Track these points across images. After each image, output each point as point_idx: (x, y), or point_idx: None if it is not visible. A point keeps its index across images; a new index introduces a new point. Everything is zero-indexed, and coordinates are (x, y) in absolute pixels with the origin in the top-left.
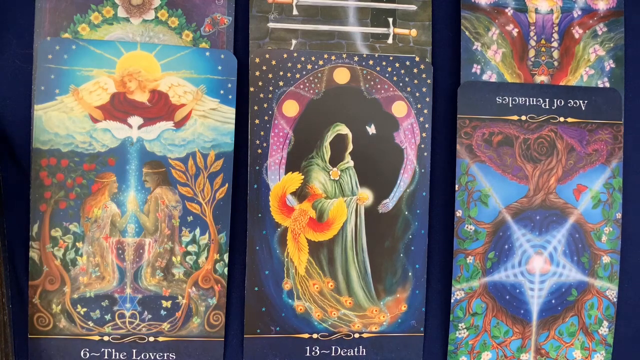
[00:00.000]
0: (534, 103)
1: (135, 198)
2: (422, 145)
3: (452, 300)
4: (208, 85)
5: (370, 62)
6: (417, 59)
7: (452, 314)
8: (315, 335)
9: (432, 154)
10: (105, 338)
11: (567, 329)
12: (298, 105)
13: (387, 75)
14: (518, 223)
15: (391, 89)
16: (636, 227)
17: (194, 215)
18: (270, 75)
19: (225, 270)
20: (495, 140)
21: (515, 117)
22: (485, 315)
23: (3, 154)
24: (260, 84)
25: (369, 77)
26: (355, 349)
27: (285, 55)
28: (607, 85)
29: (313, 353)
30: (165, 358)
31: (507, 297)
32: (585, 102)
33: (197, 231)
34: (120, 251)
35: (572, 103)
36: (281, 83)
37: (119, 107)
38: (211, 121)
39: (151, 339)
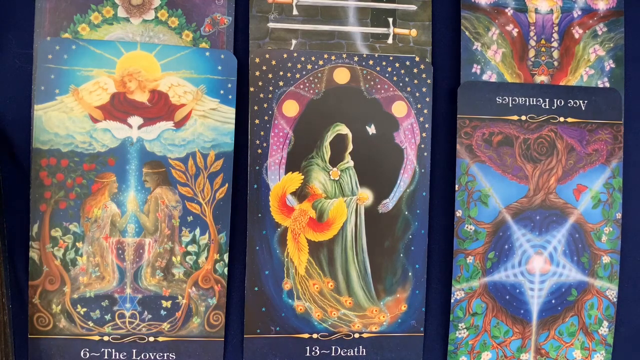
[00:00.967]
0: (534, 103)
1: (135, 198)
2: (422, 145)
3: (452, 300)
4: (208, 85)
5: (370, 62)
6: (417, 59)
7: (452, 314)
8: (315, 335)
9: (432, 154)
10: (105, 338)
11: (567, 329)
12: (298, 105)
13: (387, 75)
14: (518, 223)
15: (391, 89)
16: (636, 227)
17: (194, 215)
18: (270, 75)
19: (225, 270)
20: (495, 140)
21: (515, 117)
22: (485, 315)
23: (3, 154)
24: (260, 84)
25: (369, 77)
26: (355, 349)
27: (285, 55)
28: (607, 85)
29: (313, 353)
30: (165, 358)
31: (507, 297)
32: (585, 102)
33: (197, 231)
34: (120, 251)
35: (572, 103)
36: (281, 83)
37: (119, 107)
38: (211, 121)
39: (151, 339)
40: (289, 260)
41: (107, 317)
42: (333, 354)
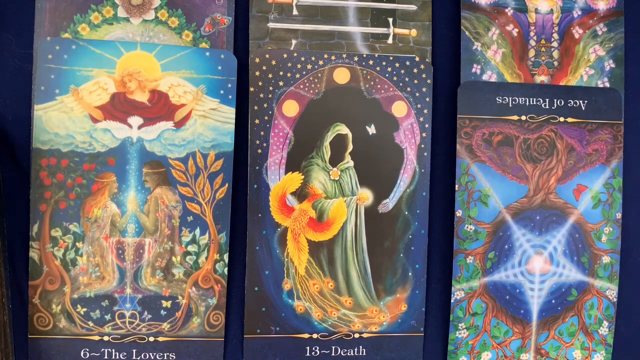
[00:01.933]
0: (534, 103)
1: (135, 198)
2: (422, 145)
3: (452, 300)
4: (208, 85)
5: (370, 62)
6: (417, 59)
7: (452, 314)
8: (315, 335)
9: (432, 154)
10: (105, 338)
11: (567, 329)
12: (298, 105)
13: (387, 75)
14: (518, 223)
15: (391, 89)
16: (636, 227)
17: (194, 215)
18: (270, 75)
19: (225, 270)
20: (495, 140)
21: (515, 117)
22: (485, 315)
23: (3, 154)
24: (260, 84)
25: (369, 77)
26: (355, 349)
27: (285, 55)
28: (607, 85)
29: (313, 353)
30: (165, 358)
31: (507, 297)
32: (585, 102)
33: (197, 231)
34: (120, 251)
35: (572, 103)
36: (281, 83)
37: (119, 107)
38: (211, 121)
39: (151, 339)
40: (289, 260)
41: (107, 317)
42: (333, 354)
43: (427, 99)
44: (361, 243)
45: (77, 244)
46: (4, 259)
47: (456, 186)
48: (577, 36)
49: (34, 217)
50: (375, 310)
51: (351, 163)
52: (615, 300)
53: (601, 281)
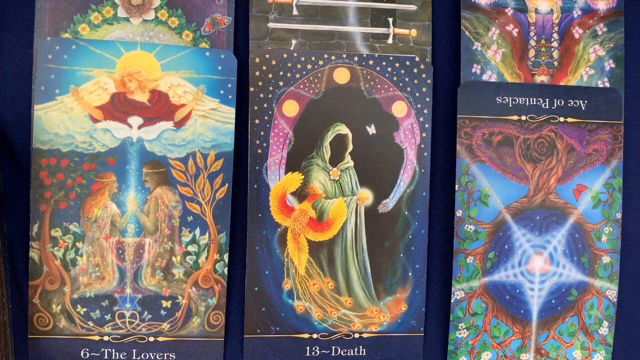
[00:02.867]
0: (534, 103)
1: (135, 198)
2: (422, 145)
3: (452, 300)
4: (208, 85)
5: (370, 62)
6: (417, 59)
7: (452, 314)
8: (315, 335)
9: (432, 154)
10: (105, 338)
11: (567, 329)
12: (298, 105)
13: (387, 75)
14: (518, 223)
15: (391, 89)
16: (636, 227)
17: (194, 215)
18: (270, 75)
19: (225, 270)
20: (495, 140)
21: (515, 117)
22: (485, 315)
23: (3, 154)
24: (260, 84)
25: (369, 77)
26: (355, 349)
27: (285, 55)
28: (607, 85)
29: (313, 353)
30: (165, 358)
31: (507, 297)
32: (585, 102)
33: (197, 231)
34: (120, 251)
35: (572, 103)
36: (281, 83)
37: (119, 107)
38: (211, 121)
39: (151, 339)
40: (289, 260)
41: (107, 317)
42: (333, 354)
43: (427, 99)
44: (361, 243)
45: (77, 244)
46: (4, 259)
47: (456, 186)
48: (577, 36)
49: (34, 217)
50: (375, 310)
51: (351, 163)
52: (615, 300)
53: (601, 281)
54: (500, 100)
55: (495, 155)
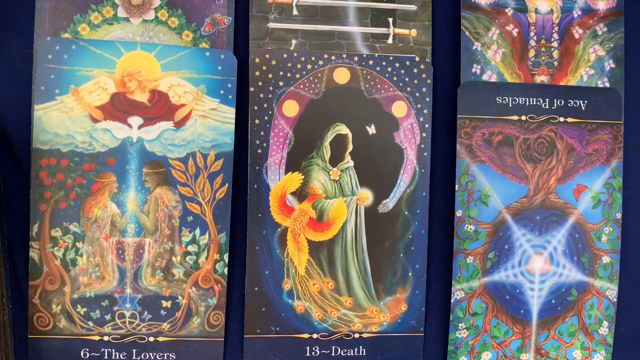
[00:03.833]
0: (534, 103)
1: (135, 198)
2: (422, 145)
3: (452, 300)
4: (208, 85)
5: (370, 62)
6: (417, 59)
7: (452, 314)
8: (315, 335)
9: (432, 154)
10: (105, 338)
11: (567, 329)
12: (298, 105)
13: (387, 75)
14: (518, 223)
15: (391, 89)
16: (636, 227)
17: (194, 215)
18: (270, 75)
19: (225, 270)
20: (495, 140)
21: (515, 117)
22: (485, 315)
23: (3, 154)
24: (260, 84)
25: (369, 77)
26: (355, 349)
27: (285, 55)
28: (607, 85)
29: (313, 353)
30: (165, 358)
31: (507, 297)
32: (585, 102)
33: (197, 231)
34: (120, 251)
35: (572, 103)
36: (281, 83)
37: (119, 107)
38: (211, 121)
39: (151, 339)
40: (289, 260)
41: (107, 317)
42: (333, 354)
43: (427, 99)
44: (361, 243)
45: (77, 244)
46: (4, 259)
47: (456, 186)
48: (577, 36)
49: (34, 217)
50: (375, 310)
51: (351, 163)
52: (615, 300)
53: (601, 281)
54: (500, 100)
55: (495, 155)
